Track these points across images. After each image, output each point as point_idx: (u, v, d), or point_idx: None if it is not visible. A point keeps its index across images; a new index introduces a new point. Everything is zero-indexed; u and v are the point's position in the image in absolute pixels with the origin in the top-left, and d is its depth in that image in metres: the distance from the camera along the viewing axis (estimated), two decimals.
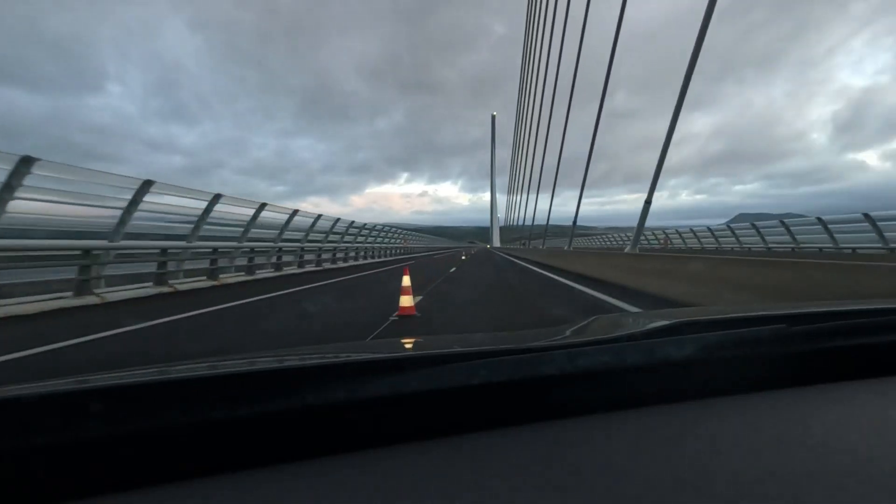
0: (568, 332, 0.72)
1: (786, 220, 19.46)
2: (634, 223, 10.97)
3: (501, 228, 79.22)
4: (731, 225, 24.01)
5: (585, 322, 0.84)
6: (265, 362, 0.59)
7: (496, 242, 76.44)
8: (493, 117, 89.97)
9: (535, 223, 37.30)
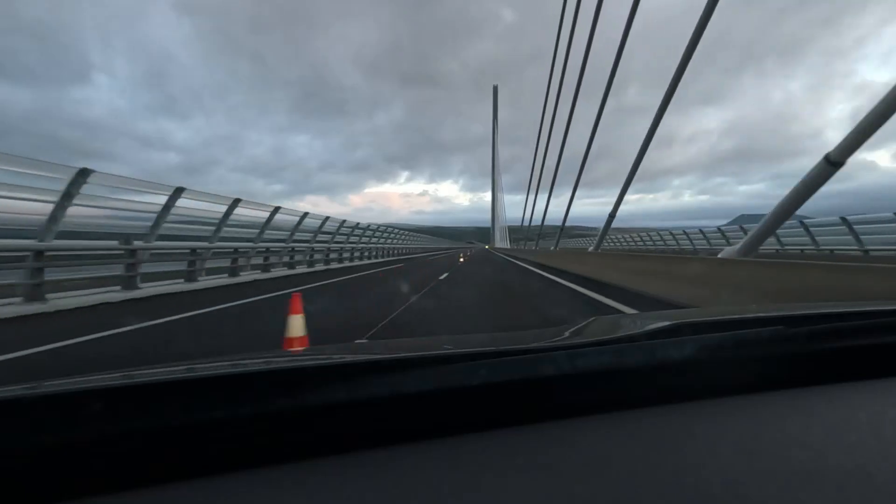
0: (567, 333, 0.73)
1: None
2: (633, 224, 11.81)
3: (506, 228, 73.92)
4: (722, 227, 24.83)
5: (585, 323, 0.85)
6: (265, 362, 0.60)
7: (498, 243, 70.68)
8: (496, 89, 79.18)
9: (537, 223, 36.39)
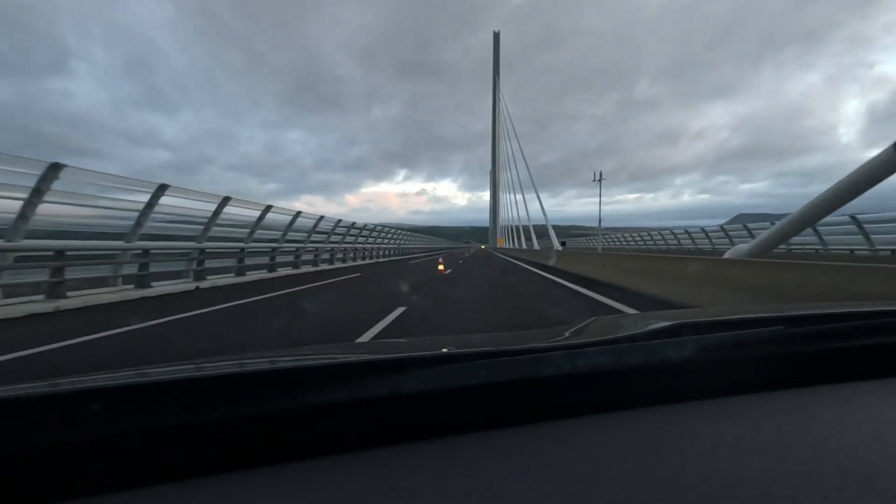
0: (567, 333, 0.73)
1: (750, 224, 22.26)
2: (634, 224, 11.46)
3: (514, 228, 61.89)
4: (705, 227, 26.36)
5: (585, 323, 0.85)
6: (266, 362, 0.60)
7: (503, 241, 61.33)
8: (497, 35, 67.99)
9: (533, 223, 36.37)
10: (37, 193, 6.10)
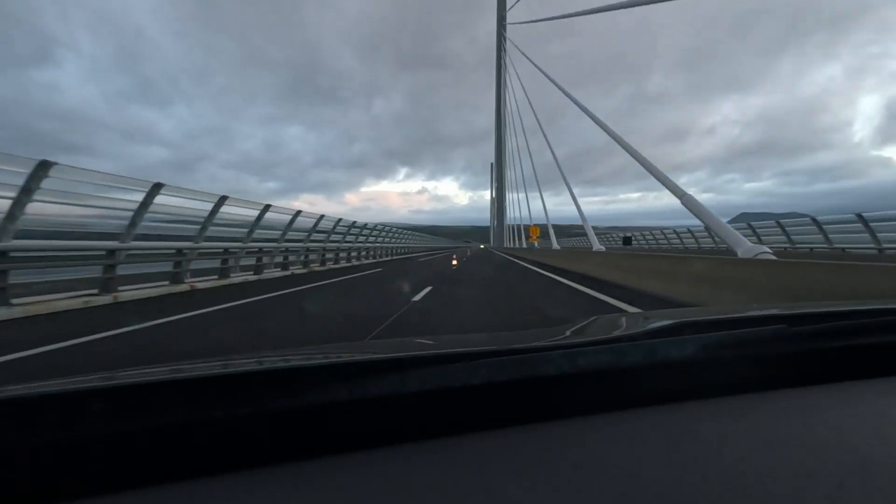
0: (568, 332, 0.73)
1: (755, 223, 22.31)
2: (636, 223, 10.82)
3: (508, 227, 55.15)
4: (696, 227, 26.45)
5: (586, 322, 0.85)
6: (266, 362, 0.61)
7: (507, 241, 54.94)
8: None
9: (534, 221, 36.22)
10: (26, 192, 5.91)
